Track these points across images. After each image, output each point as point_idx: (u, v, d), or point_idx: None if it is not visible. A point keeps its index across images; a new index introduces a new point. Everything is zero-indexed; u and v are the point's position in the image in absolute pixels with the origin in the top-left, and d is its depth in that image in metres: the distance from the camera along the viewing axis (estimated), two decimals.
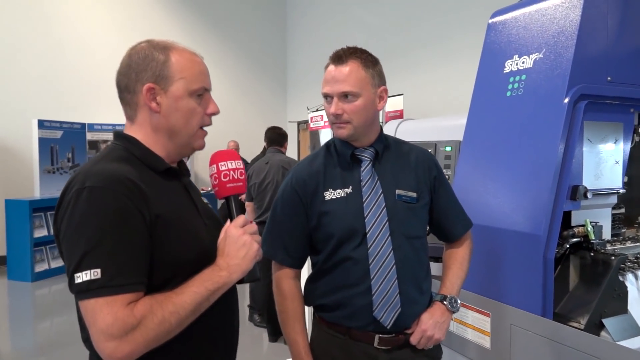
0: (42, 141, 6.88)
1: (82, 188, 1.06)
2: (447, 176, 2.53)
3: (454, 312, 1.61)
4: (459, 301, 1.62)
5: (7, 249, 6.54)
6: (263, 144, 5.61)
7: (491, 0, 4.90)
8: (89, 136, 7.53)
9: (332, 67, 1.56)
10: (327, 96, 1.57)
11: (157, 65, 1.18)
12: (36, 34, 7.39)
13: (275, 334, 4.23)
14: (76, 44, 7.68)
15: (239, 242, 1.17)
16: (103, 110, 7.80)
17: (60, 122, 7.15)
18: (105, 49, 7.86)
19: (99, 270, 1.00)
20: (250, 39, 9.05)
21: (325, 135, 6.22)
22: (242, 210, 1.30)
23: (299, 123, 8.33)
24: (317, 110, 6.42)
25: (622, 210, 2.10)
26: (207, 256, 1.18)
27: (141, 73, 1.19)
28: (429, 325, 1.56)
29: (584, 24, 1.80)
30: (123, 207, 1.05)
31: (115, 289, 1.00)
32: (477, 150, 2.13)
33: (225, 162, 1.25)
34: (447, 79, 5.22)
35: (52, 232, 6.55)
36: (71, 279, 1.01)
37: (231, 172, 1.25)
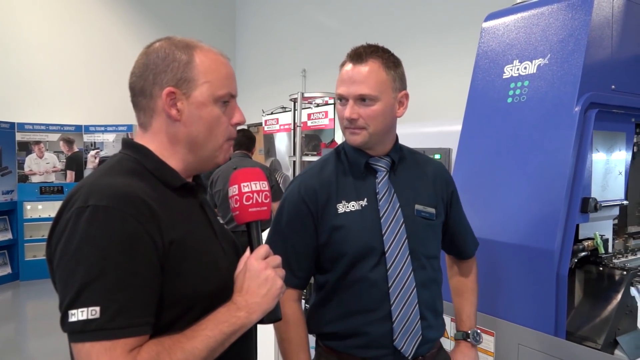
0: None
1: (84, 207, 0.89)
2: None
3: (479, 344, 1.56)
4: (481, 333, 1.56)
5: None
6: None
7: (453, 4, 4.94)
8: (19, 137, 6.87)
9: (349, 66, 1.38)
10: (341, 98, 1.39)
11: (179, 66, 1.03)
12: None
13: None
14: (4, 38, 7.00)
15: (260, 277, 0.99)
16: (35, 108, 7.17)
17: None
18: (37, 43, 7.22)
19: (97, 309, 0.84)
20: (196, 37, 8.66)
21: (281, 140, 6.03)
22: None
23: (248, 126, 8.07)
24: (272, 113, 6.21)
25: (616, 222, 2.07)
26: (224, 289, 1.00)
27: (160, 75, 1.03)
28: None
29: (593, 30, 1.74)
30: (131, 231, 0.89)
31: (116, 332, 0.84)
32: (475, 159, 2.02)
33: (248, 183, 1.07)
34: (413, 82, 5.18)
35: None
36: (64, 316, 0.85)
37: (255, 194, 1.06)
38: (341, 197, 1.41)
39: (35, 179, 6.93)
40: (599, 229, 1.87)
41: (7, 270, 6.52)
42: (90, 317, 0.83)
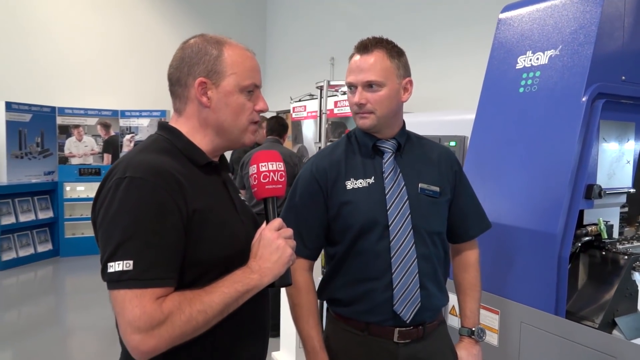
0: (9, 124, 6.55)
1: (122, 178, 1.04)
2: None
3: (482, 341, 1.66)
4: (485, 330, 1.66)
5: None
6: None
7: None
8: (60, 120, 7.21)
9: (357, 57, 1.52)
10: (351, 86, 1.53)
11: (210, 59, 1.18)
12: (2, 13, 7.02)
13: (276, 329, 4.14)
14: (46, 25, 7.33)
15: (272, 245, 1.13)
16: (74, 93, 7.51)
17: (29, 105, 6.81)
18: (77, 31, 7.55)
19: (131, 262, 0.99)
20: (228, 26, 8.84)
21: (308, 126, 6.15)
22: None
23: (277, 113, 8.22)
24: (299, 100, 6.33)
25: (626, 209, 2.12)
26: (241, 256, 1.14)
27: (194, 67, 1.18)
28: None
29: (603, 22, 1.80)
30: (161, 200, 1.04)
31: (146, 283, 0.99)
32: (486, 146, 2.10)
33: (266, 163, 1.21)
34: (436, 73, 5.22)
35: (20, 219, 6.35)
36: (104, 268, 1.01)
37: (271, 173, 1.20)
38: (350, 175, 1.54)
39: (74, 161, 7.27)
40: (606, 216, 1.93)
41: (48, 246, 6.90)
42: (125, 268, 0.98)
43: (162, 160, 1.11)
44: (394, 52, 1.53)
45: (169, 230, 1.04)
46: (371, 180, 1.54)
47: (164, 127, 1.23)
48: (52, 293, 5.76)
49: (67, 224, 6.95)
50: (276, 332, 4.05)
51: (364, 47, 1.52)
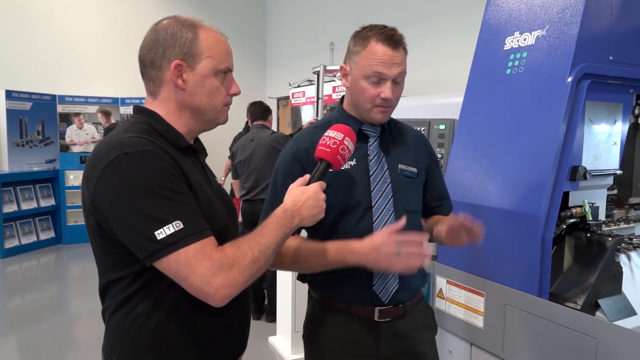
0: (10, 112, 6.58)
1: (122, 154, 1.04)
2: (441, 155, 2.50)
3: None
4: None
5: None
6: (244, 119, 5.49)
7: None
8: (60, 108, 7.24)
9: (386, 49, 1.45)
10: (380, 78, 1.46)
11: (186, 42, 1.17)
12: (3, 1, 7.01)
13: (272, 314, 4.18)
14: (46, 13, 7.32)
15: (318, 202, 1.25)
16: (75, 81, 7.51)
17: (30, 93, 6.84)
18: (77, 19, 7.53)
19: (180, 222, 1.01)
20: (229, 12, 8.79)
21: (307, 112, 6.13)
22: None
23: (278, 99, 8.19)
24: (298, 86, 6.30)
25: (615, 192, 2.10)
26: (223, 233, 1.17)
27: (169, 49, 1.17)
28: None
29: (590, 1, 1.76)
30: (170, 168, 1.07)
31: (200, 235, 1.03)
32: (474, 128, 2.09)
33: (333, 132, 1.36)
34: (436, 57, 5.16)
35: (22, 207, 6.39)
36: (150, 239, 1.00)
37: (326, 138, 1.35)
38: None
39: (75, 149, 7.31)
40: (592, 198, 1.92)
41: (51, 234, 6.97)
42: (176, 229, 1.00)
43: (149, 140, 1.11)
44: (406, 46, 1.52)
45: (187, 191, 1.09)
46: (352, 163, 1.53)
47: (142, 111, 1.22)
48: (55, 280, 5.83)
49: (69, 211, 7.01)
50: (272, 317, 4.08)
51: (396, 42, 1.46)
